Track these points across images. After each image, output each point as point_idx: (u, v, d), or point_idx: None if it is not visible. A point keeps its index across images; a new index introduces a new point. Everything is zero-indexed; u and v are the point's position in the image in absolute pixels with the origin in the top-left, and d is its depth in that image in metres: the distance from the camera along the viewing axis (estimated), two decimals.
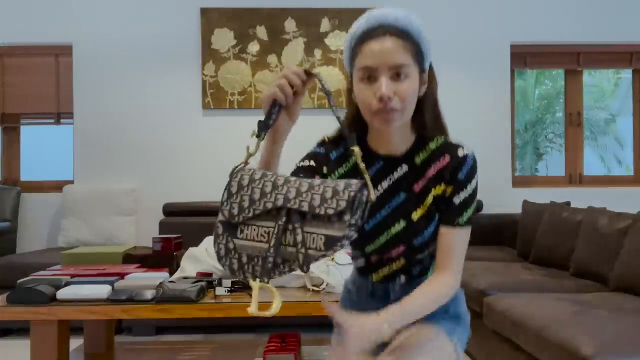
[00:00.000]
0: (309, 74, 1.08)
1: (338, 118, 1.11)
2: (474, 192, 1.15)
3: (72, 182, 4.44)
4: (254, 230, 0.98)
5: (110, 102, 4.43)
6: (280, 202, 0.97)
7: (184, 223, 4.07)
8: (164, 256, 2.55)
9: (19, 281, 2.12)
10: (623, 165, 11.56)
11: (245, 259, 0.98)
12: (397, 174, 1.18)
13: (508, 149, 4.56)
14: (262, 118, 1.09)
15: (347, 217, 0.94)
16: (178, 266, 2.49)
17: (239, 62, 4.41)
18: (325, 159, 1.24)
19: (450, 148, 1.16)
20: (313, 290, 2.14)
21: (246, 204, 0.99)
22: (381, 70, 1.07)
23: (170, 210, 4.24)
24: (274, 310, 0.96)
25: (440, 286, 1.13)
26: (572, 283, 2.89)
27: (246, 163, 1.06)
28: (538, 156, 12.30)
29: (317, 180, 0.99)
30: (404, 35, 1.10)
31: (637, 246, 2.58)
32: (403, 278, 1.21)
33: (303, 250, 0.94)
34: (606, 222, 2.89)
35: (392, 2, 4.47)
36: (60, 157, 5.79)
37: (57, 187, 4.49)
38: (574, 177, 4.69)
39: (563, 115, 4.80)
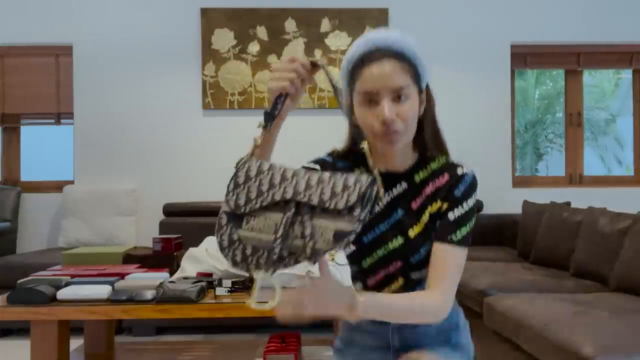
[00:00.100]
0: (314, 65, 1.08)
1: (341, 103, 1.12)
2: (471, 211, 1.13)
3: (72, 182, 4.44)
4: (261, 221, 0.97)
5: (110, 102, 4.43)
6: (289, 194, 0.96)
7: (184, 223, 4.07)
8: (164, 256, 2.55)
9: (19, 281, 2.12)
10: (623, 165, 11.56)
11: (249, 251, 0.96)
12: (396, 191, 1.19)
13: (508, 149, 4.56)
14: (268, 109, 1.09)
15: (357, 212, 0.94)
16: (178, 266, 2.49)
17: (239, 62, 4.41)
18: (332, 167, 1.24)
19: (451, 167, 1.17)
20: None
21: (253, 195, 0.98)
22: (382, 94, 1.09)
23: (170, 210, 4.24)
24: (273, 304, 0.94)
25: (424, 299, 1.08)
26: (572, 283, 2.89)
27: (253, 154, 1.05)
28: (538, 156, 12.30)
29: (326, 174, 0.99)
30: (401, 57, 1.12)
31: (637, 246, 2.58)
32: None
33: (311, 243, 0.93)
34: (606, 222, 2.89)
35: (393, 2, 4.48)
36: (60, 157, 5.79)
37: (57, 187, 4.49)
38: (574, 177, 4.69)
39: (563, 115, 4.80)
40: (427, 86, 1.19)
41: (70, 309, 1.99)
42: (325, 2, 4.43)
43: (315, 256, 0.93)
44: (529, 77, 11.51)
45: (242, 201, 0.98)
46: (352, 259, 1.21)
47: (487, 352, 2.79)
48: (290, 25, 4.42)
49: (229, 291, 2.10)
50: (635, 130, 4.78)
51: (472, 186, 1.15)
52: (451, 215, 1.12)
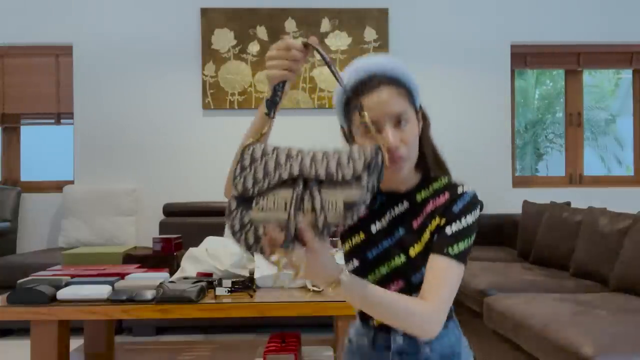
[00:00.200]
0: (306, 45, 1.07)
1: (339, 80, 1.12)
2: (469, 228, 1.12)
3: (72, 182, 4.44)
4: (270, 201, 0.96)
5: (110, 102, 4.43)
6: (296, 171, 0.96)
7: (184, 223, 4.08)
8: (164, 256, 2.55)
9: (19, 281, 2.12)
10: (623, 165, 11.56)
11: (262, 231, 0.96)
12: (398, 209, 1.20)
13: (508, 149, 4.56)
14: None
15: (364, 180, 0.94)
16: (178, 266, 2.49)
17: (239, 62, 4.41)
18: None
19: (452, 186, 1.17)
20: (313, 290, 2.15)
21: (260, 175, 0.98)
22: (383, 121, 1.10)
23: (170, 210, 4.24)
24: (300, 276, 0.95)
25: (411, 303, 1.06)
26: (572, 283, 2.89)
27: (258, 141, 1.05)
28: (538, 156, 12.29)
29: (331, 149, 0.99)
30: (395, 81, 1.13)
31: (637, 246, 2.58)
32: None
33: (322, 217, 0.93)
34: (606, 222, 2.89)
35: (393, 2, 4.48)
36: (60, 157, 5.78)
37: (57, 187, 4.49)
38: (574, 177, 4.69)
39: (563, 115, 4.80)
40: (421, 106, 1.20)
41: (70, 309, 1.99)
42: (325, 2, 4.44)
43: (327, 229, 0.93)
44: (529, 77, 11.51)
45: (249, 183, 0.98)
46: (356, 274, 1.21)
47: (487, 352, 2.79)
48: (290, 25, 4.42)
49: (229, 291, 2.10)
50: (635, 130, 4.78)
51: (472, 204, 1.14)
52: (448, 230, 1.12)
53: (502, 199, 4.45)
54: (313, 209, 0.94)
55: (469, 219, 1.13)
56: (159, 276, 2.25)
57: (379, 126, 1.11)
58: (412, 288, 1.14)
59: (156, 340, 3.46)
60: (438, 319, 1.07)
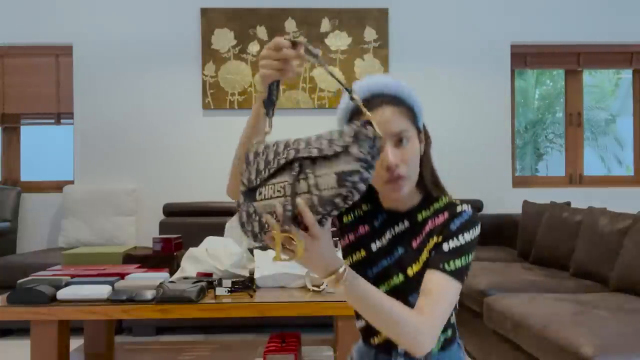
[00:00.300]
0: (295, 43, 1.07)
1: (332, 74, 1.12)
2: (467, 245, 1.12)
3: (72, 182, 4.44)
4: (271, 188, 0.98)
5: (110, 102, 4.43)
6: (291, 155, 0.98)
7: (184, 223, 4.08)
8: (164, 256, 2.55)
9: (19, 281, 2.12)
10: (623, 165, 11.56)
11: (265, 219, 0.97)
12: (398, 228, 1.21)
13: (508, 149, 4.56)
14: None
15: (353, 150, 0.94)
16: (178, 266, 2.49)
17: (239, 62, 4.41)
18: None
19: (451, 206, 1.17)
20: (313, 290, 2.14)
21: (262, 166, 1.00)
22: (384, 140, 1.11)
23: (170, 210, 4.24)
24: (299, 254, 0.94)
25: (410, 316, 1.04)
26: (572, 283, 2.89)
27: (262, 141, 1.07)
28: (538, 156, 12.29)
29: (325, 130, 1.00)
30: (398, 101, 1.14)
31: (637, 246, 2.58)
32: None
33: (317, 193, 0.93)
34: (606, 222, 2.89)
35: (393, 2, 4.48)
36: (60, 157, 5.79)
37: (57, 187, 4.49)
38: (574, 177, 4.69)
39: (563, 115, 4.80)
40: (424, 125, 1.21)
41: (70, 309, 1.99)
42: (325, 2, 4.44)
43: (325, 208, 0.93)
44: (529, 77, 11.51)
45: (253, 175, 1.01)
46: None
47: (487, 352, 2.79)
48: (290, 25, 4.42)
49: (229, 291, 2.10)
50: (635, 130, 4.78)
51: (470, 222, 1.14)
52: (445, 247, 1.11)
53: (502, 199, 4.46)
54: (309, 189, 0.94)
55: (467, 236, 1.12)
56: (159, 276, 2.25)
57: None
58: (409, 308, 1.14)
59: (156, 340, 3.46)
60: (431, 334, 1.05)
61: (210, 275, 2.28)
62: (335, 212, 0.94)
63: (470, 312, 2.98)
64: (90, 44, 4.42)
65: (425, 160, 1.20)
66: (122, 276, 2.25)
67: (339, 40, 4.44)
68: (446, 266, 1.09)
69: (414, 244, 1.18)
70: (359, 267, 1.19)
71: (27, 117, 4.56)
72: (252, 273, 2.31)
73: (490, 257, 3.67)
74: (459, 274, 1.09)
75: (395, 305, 1.04)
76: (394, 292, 1.15)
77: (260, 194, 0.99)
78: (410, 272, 1.15)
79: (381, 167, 1.11)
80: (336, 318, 2.08)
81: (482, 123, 4.52)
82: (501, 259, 3.69)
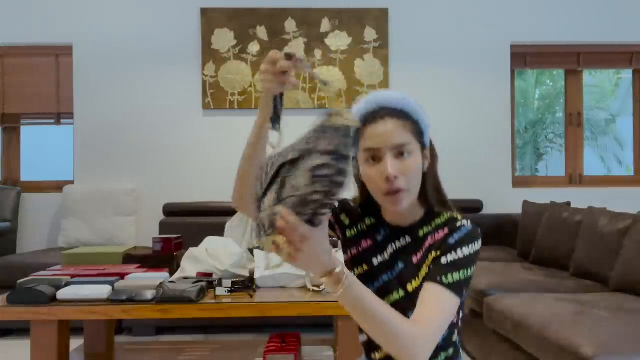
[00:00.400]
0: (290, 55, 1.09)
1: (323, 83, 1.13)
2: (466, 259, 1.11)
3: (72, 182, 4.44)
4: (268, 197, 1.00)
5: (110, 102, 4.43)
6: (280, 162, 0.99)
7: (184, 223, 4.08)
8: (164, 256, 2.55)
9: (19, 281, 2.12)
10: (623, 165, 11.56)
11: (263, 227, 0.99)
12: (399, 244, 1.21)
13: (508, 149, 4.56)
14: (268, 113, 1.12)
15: (320, 144, 0.93)
16: (178, 266, 2.49)
17: (239, 62, 4.41)
18: (354, 212, 1.28)
19: (452, 221, 1.17)
20: (313, 290, 2.15)
21: (263, 178, 1.02)
22: (384, 151, 1.12)
23: (170, 210, 4.24)
24: (284, 257, 0.95)
25: (406, 326, 1.02)
26: (572, 283, 2.89)
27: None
28: (538, 156, 12.29)
29: (307, 130, 1.01)
30: (403, 115, 1.15)
31: (637, 246, 2.58)
32: None
33: (297, 194, 0.93)
34: (606, 222, 2.89)
35: (393, 2, 4.48)
36: (60, 157, 5.79)
37: (57, 187, 4.49)
38: (574, 177, 4.69)
39: (563, 115, 4.80)
40: (431, 143, 1.22)
41: (70, 309, 1.99)
42: (325, 2, 4.44)
43: (306, 206, 0.92)
44: (529, 77, 11.51)
45: (259, 188, 1.02)
46: None
47: (487, 352, 2.79)
48: (290, 25, 4.42)
49: (229, 291, 2.10)
50: (635, 130, 4.78)
51: (469, 237, 1.13)
52: (443, 260, 1.11)
53: (502, 199, 4.46)
54: (292, 192, 0.94)
55: (465, 251, 1.12)
56: (159, 276, 2.25)
57: (380, 155, 1.13)
58: None
59: (156, 340, 3.46)
60: (426, 346, 1.03)
61: (210, 275, 2.28)
62: (324, 210, 0.93)
63: (470, 312, 2.98)
64: (90, 44, 4.42)
65: (429, 176, 1.20)
66: (122, 276, 2.25)
67: (339, 40, 4.44)
68: (443, 279, 1.09)
69: (415, 260, 1.18)
70: (361, 282, 1.20)
71: (27, 117, 4.56)
72: (252, 273, 2.31)
73: (490, 257, 3.67)
74: (456, 288, 1.09)
75: (391, 313, 1.02)
76: (394, 307, 1.15)
77: (262, 204, 1.00)
78: (410, 287, 1.16)
79: (381, 178, 1.12)
80: (336, 318, 2.08)
81: (482, 123, 4.52)
82: (501, 259, 3.69)
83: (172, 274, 2.40)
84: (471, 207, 4.32)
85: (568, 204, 3.69)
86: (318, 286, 2.15)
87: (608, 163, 11.80)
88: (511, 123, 4.62)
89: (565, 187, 4.61)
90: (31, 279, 2.15)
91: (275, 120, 1.11)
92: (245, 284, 2.14)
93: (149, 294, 2.02)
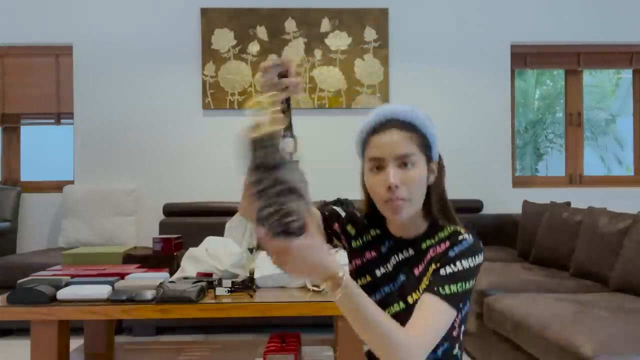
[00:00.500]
0: (281, 63, 1.12)
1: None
2: (465, 272, 1.11)
3: (72, 182, 4.44)
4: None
5: (110, 102, 4.43)
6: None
7: (184, 223, 4.08)
8: (164, 256, 2.55)
9: (19, 281, 2.12)
10: (623, 165, 11.55)
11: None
12: (402, 256, 1.22)
13: (508, 149, 4.56)
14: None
15: (250, 161, 0.93)
16: (178, 266, 2.49)
17: (239, 62, 4.41)
18: (360, 222, 1.29)
19: (454, 235, 1.17)
20: (313, 290, 2.15)
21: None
22: (388, 160, 1.14)
23: (170, 210, 4.24)
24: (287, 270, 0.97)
25: (400, 334, 1.02)
26: (572, 283, 2.89)
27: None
28: (538, 156, 12.29)
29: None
30: (410, 127, 1.17)
31: (637, 246, 2.58)
32: None
33: (256, 212, 0.95)
34: (606, 222, 2.89)
35: (393, 2, 4.48)
36: (60, 157, 5.78)
37: (57, 187, 4.49)
38: (574, 177, 4.69)
39: (563, 115, 4.80)
40: (440, 157, 1.23)
41: (70, 309, 1.99)
42: (325, 2, 4.44)
43: (267, 221, 0.92)
44: (529, 77, 11.51)
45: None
46: None
47: (487, 352, 2.79)
48: (290, 25, 4.42)
49: (229, 291, 2.10)
50: (635, 130, 4.78)
51: (469, 250, 1.13)
52: (442, 272, 1.12)
53: (502, 199, 4.45)
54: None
55: (465, 264, 1.12)
56: (159, 276, 2.25)
57: (384, 165, 1.14)
58: None
59: (156, 340, 3.46)
60: (421, 354, 1.04)
61: (210, 275, 2.28)
62: (289, 218, 0.92)
63: (470, 312, 2.99)
64: (90, 44, 4.42)
65: (435, 190, 1.21)
66: (122, 276, 2.25)
67: (339, 40, 4.44)
68: (440, 290, 1.09)
69: (416, 272, 1.19)
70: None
71: (27, 117, 4.56)
72: (252, 273, 2.30)
73: (490, 257, 3.67)
74: (453, 299, 1.09)
75: (387, 320, 1.03)
76: (394, 319, 1.15)
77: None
78: (411, 300, 1.16)
79: (383, 187, 1.14)
80: (336, 318, 2.08)
81: (482, 123, 4.52)
82: (501, 259, 3.69)
83: (172, 274, 2.40)
84: (471, 207, 4.32)
85: (568, 204, 3.69)
86: (318, 286, 2.15)
87: (608, 163, 11.80)
88: (511, 123, 4.62)
89: (565, 187, 4.61)
90: (31, 279, 2.15)
91: (288, 127, 1.10)
92: (245, 284, 2.14)
93: (149, 294, 2.02)
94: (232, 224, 2.78)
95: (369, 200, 1.24)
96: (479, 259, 1.14)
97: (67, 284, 2.11)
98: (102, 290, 2.04)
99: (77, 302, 2.01)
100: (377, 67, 4.44)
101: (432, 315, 1.07)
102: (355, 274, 1.25)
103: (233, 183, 1.19)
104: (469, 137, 4.48)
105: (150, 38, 4.43)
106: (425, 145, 1.18)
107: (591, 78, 10.78)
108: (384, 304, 1.18)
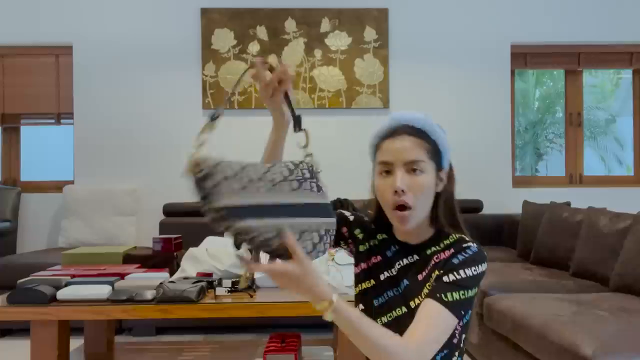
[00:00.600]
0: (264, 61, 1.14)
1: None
2: (467, 280, 1.11)
3: (72, 182, 4.44)
4: None
5: (110, 102, 4.43)
6: None
7: (184, 223, 4.07)
8: (164, 256, 2.55)
9: (19, 281, 2.13)
10: (623, 165, 11.55)
11: None
12: (407, 261, 1.23)
13: (508, 149, 4.56)
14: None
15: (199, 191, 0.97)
16: (178, 266, 2.49)
17: (239, 62, 4.41)
18: (368, 227, 1.32)
19: (459, 242, 1.18)
20: None
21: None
22: (397, 165, 1.16)
23: (170, 210, 4.24)
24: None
25: (393, 342, 1.03)
26: (572, 283, 2.89)
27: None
28: (538, 156, 12.29)
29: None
30: (421, 134, 1.19)
31: (637, 246, 2.58)
32: None
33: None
34: (606, 222, 2.89)
35: (393, 2, 4.48)
36: (60, 157, 5.79)
37: (57, 187, 4.49)
38: (574, 177, 4.69)
39: (563, 115, 4.80)
40: (451, 167, 1.25)
41: (70, 309, 1.99)
42: (325, 2, 4.44)
43: (258, 247, 0.96)
44: (529, 77, 11.51)
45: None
46: None
47: (487, 352, 2.79)
48: (290, 25, 4.42)
49: (229, 291, 2.10)
50: (635, 130, 4.78)
51: (474, 259, 1.14)
52: (445, 279, 1.12)
53: (502, 199, 4.45)
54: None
55: (468, 272, 1.13)
56: (159, 276, 2.25)
57: (393, 169, 1.16)
58: None
59: (156, 340, 3.46)
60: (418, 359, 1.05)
61: (210, 275, 2.29)
62: (258, 245, 0.95)
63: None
64: (90, 44, 4.42)
65: (444, 198, 1.22)
66: (122, 276, 2.25)
67: (339, 40, 4.44)
68: (442, 297, 1.09)
69: (420, 277, 1.19)
70: (366, 295, 1.23)
71: (27, 117, 4.56)
72: (252, 273, 2.30)
73: (490, 257, 3.65)
74: (454, 307, 1.09)
75: (382, 335, 1.03)
76: (396, 323, 1.17)
77: None
78: (413, 304, 1.17)
79: (390, 191, 1.15)
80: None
81: (482, 123, 4.52)
82: (501, 259, 3.69)
83: (172, 274, 2.40)
84: (471, 207, 4.32)
85: (568, 204, 3.69)
86: None
87: (608, 163, 11.79)
88: (511, 123, 4.62)
89: (565, 187, 4.61)
90: (31, 279, 2.15)
91: (297, 122, 1.15)
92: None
93: (149, 294, 2.02)
94: None
95: (378, 204, 1.25)
96: (483, 267, 1.15)
97: (67, 284, 2.11)
98: (102, 290, 2.04)
99: (77, 302, 2.01)
100: (377, 67, 4.44)
101: (433, 321, 1.08)
102: (361, 277, 1.27)
103: None
104: (468, 137, 4.48)
105: (150, 38, 4.43)
106: (436, 153, 1.19)
107: (591, 78, 10.78)
108: (387, 308, 1.20)
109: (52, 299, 2.02)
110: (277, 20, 4.42)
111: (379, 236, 1.29)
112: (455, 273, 1.12)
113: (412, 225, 1.17)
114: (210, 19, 4.41)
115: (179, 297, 2.00)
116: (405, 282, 1.21)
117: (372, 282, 1.24)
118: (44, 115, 4.55)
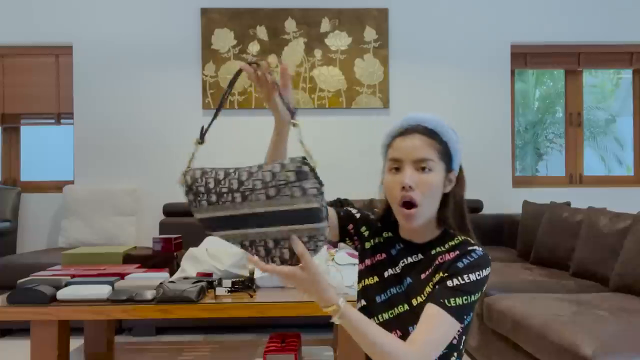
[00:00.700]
0: (254, 63, 1.19)
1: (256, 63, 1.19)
2: (471, 285, 1.12)
3: (72, 182, 4.44)
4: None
5: (110, 102, 4.43)
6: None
7: (184, 223, 4.07)
8: (164, 256, 2.55)
9: (19, 281, 2.12)
10: (623, 165, 11.55)
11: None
12: (411, 259, 1.24)
13: (508, 149, 4.56)
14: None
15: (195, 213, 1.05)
16: (178, 266, 2.49)
17: (239, 62, 4.41)
18: (374, 225, 1.33)
19: (464, 245, 1.19)
20: None
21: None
22: (406, 162, 1.17)
23: (170, 210, 4.24)
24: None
25: (397, 347, 1.06)
26: (572, 283, 2.89)
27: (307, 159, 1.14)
28: (538, 156, 12.29)
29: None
30: (432, 134, 1.20)
31: (637, 246, 2.58)
32: None
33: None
34: (606, 222, 2.89)
35: (393, 2, 4.48)
36: (60, 157, 5.79)
37: (57, 187, 4.49)
38: (574, 177, 4.69)
39: (563, 115, 4.80)
40: (461, 169, 1.26)
41: (70, 309, 1.99)
42: (325, 2, 4.44)
43: (269, 253, 1.03)
44: (529, 77, 11.51)
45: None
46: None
47: (487, 352, 2.79)
48: (290, 25, 4.42)
49: (229, 291, 2.10)
50: (635, 130, 4.78)
51: (478, 263, 1.15)
52: (449, 283, 1.13)
53: (502, 199, 4.46)
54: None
55: (472, 277, 1.13)
56: (159, 276, 2.25)
57: (402, 166, 1.18)
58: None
59: (156, 340, 3.46)
60: None
61: (210, 275, 2.28)
62: (257, 252, 1.05)
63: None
64: (90, 44, 4.42)
65: (452, 200, 1.22)
66: (122, 276, 2.25)
67: (339, 40, 4.44)
68: (446, 302, 1.10)
69: (423, 276, 1.20)
70: (369, 292, 1.23)
71: (27, 117, 4.56)
72: (252, 273, 2.30)
73: (491, 257, 3.66)
74: (457, 312, 1.10)
75: (387, 339, 1.06)
76: (397, 320, 1.18)
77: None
78: (415, 302, 1.18)
79: (397, 187, 1.17)
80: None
81: (482, 123, 4.52)
82: (501, 259, 3.69)
83: (172, 274, 2.40)
84: (471, 207, 4.32)
85: (568, 204, 3.69)
86: None
87: (608, 163, 11.79)
88: (511, 123, 4.62)
89: (565, 187, 4.61)
90: (31, 279, 2.15)
91: (295, 111, 1.16)
92: (245, 284, 2.14)
93: (149, 294, 2.02)
94: None
95: (387, 203, 1.26)
96: (486, 272, 1.16)
97: (67, 284, 2.11)
98: (102, 290, 2.04)
99: (77, 302, 2.01)
100: (377, 67, 4.44)
101: (436, 326, 1.09)
102: (365, 273, 1.28)
103: None
104: (469, 137, 4.47)
105: (150, 38, 4.43)
106: (446, 154, 1.20)
107: (591, 78, 10.78)
108: (389, 304, 1.21)
109: (52, 299, 2.02)
110: (277, 20, 4.42)
111: (385, 234, 1.30)
112: (459, 278, 1.13)
113: (418, 223, 1.18)
114: (210, 19, 4.41)
115: (179, 297, 2.00)
116: (409, 280, 1.21)
117: (376, 278, 1.25)
118: (44, 115, 4.55)
